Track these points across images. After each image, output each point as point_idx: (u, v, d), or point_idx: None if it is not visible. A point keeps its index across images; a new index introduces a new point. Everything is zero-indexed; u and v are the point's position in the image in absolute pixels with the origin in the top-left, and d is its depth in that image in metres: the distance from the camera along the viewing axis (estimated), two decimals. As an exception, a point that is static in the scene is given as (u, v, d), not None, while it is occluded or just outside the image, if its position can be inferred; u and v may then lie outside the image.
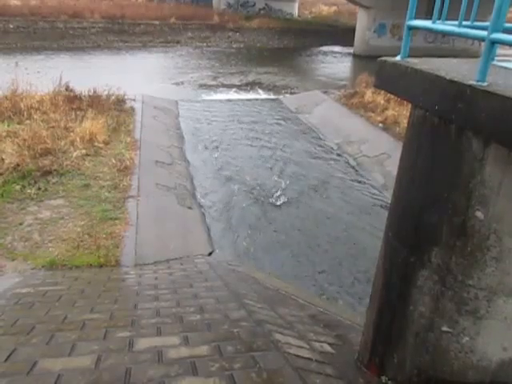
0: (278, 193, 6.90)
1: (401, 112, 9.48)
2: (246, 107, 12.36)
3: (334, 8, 33.15)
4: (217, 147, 8.96)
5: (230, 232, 5.77)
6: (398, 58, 2.13)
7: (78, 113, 8.41)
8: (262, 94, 14.12)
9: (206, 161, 8.24)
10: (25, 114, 7.96)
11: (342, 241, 5.69)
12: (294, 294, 4.25)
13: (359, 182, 7.63)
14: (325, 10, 32.86)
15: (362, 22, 21.98)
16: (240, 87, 14.82)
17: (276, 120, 11.23)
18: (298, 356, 2.28)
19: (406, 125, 2.20)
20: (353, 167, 8.27)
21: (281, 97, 13.72)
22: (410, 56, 2.12)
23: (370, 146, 8.82)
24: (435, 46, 21.72)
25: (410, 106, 2.12)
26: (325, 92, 12.86)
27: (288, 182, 7.36)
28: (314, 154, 8.86)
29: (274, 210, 6.42)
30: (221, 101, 12.90)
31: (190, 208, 6.11)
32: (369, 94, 10.95)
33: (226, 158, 8.39)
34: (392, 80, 2.10)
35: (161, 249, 4.80)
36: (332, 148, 9.29)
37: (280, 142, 9.53)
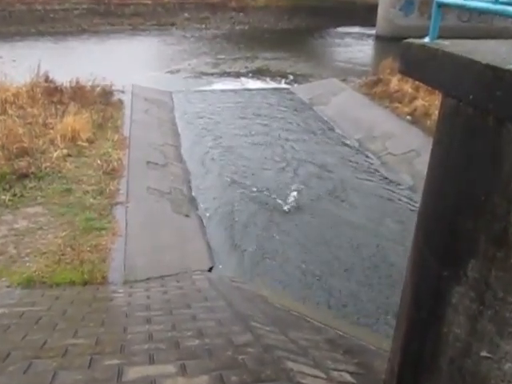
0: (290, 198, 6.90)
1: (432, 102, 9.46)
2: (251, 98, 12.39)
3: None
4: (218, 145, 9.00)
5: (233, 244, 5.75)
6: (426, 39, 2.12)
7: (58, 107, 8.51)
8: (269, 83, 14.25)
9: (205, 161, 8.26)
10: (-2, 108, 8.14)
11: (366, 255, 5.66)
12: (308, 315, 4.25)
13: (384, 184, 7.60)
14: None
15: (386, -2, 22.10)
16: (245, 75, 14.94)
17: (286, 113, 11.24)
18: (313, 387, 2.29)
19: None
20: (376, 167, 8.25)
21: (292, 86, 13.79)
22: (440, 37, 2.12)
23: (397, 142, 8.79)
24: (470, 26, 21.61)
25: (441, 95, 2.13)
26: (343, 80, 12.91)
27: (301, 186, 7.36)
28: (330, 152, 8.86)
29: (284, 219, 6.40)
30: (222, 91, 13.03)
31: (187, 216, 6.14)
32: (394, 82, 10.94)
33: (228, 157, 8.40)
34: (419, 65, 2.11)
35: (154, 263, 4.82)
36: (352, 145, 9.26)
37: (291, 138, 9.51)
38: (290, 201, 6.85)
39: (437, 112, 2.22)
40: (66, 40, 18.98)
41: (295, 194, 7.08)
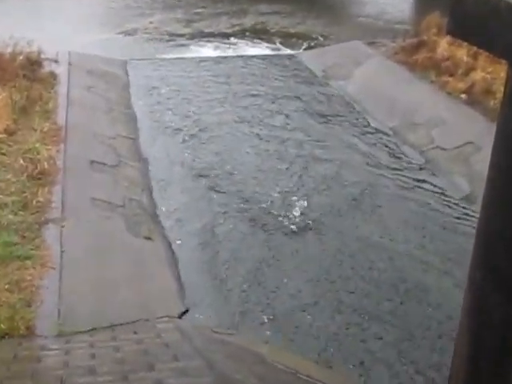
0: (296, 211, 6.94)
1: (496, 74, 9.45)
2: (241, 70, 12.32)
3: None
4: (193, 137, 9.00)
5: (215, 279, 5.75)
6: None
7: (-38, 84, 8.55)
8: (266, 49, 14.26)
9: (175, 160, 8.26)
10: None
11: (401, 293, 5.60)
12: (322, 380, 4.24)
13: (430, 191, 7.59)
14: None
15: None
16: (231, 37, 14.95)
17: (291, 90, 11.18)
18: None
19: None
20: (419, 166, 8.26)
21: (299, 52, 13.76)
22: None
23: (447, 131, 8.82)
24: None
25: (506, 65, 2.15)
26: (370, 44, 12.91)
27: (311, 193, 7.39)
28: (353, 146, 8.86)
29: (287, 241, 6.40)
30: (200, 60, 13.05)
31: (148, 238, 6.16)
32: (443, 46, 10.94)
33: (208, 154, 8.39)
34: (476, 24, 2.13)
35: (101, 307, 4.78)
36: (383, 136, 9.27)
37: (298, 126, 9.47)
38: (295, 216, 6.86)
39: (502, 89, 2.24)
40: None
41: (303, 205, 7.09)
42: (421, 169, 8.26)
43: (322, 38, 15.04)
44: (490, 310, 2.10)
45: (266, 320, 5.26)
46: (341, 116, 10.11)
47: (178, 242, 6.34)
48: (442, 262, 6.17)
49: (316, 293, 5.67)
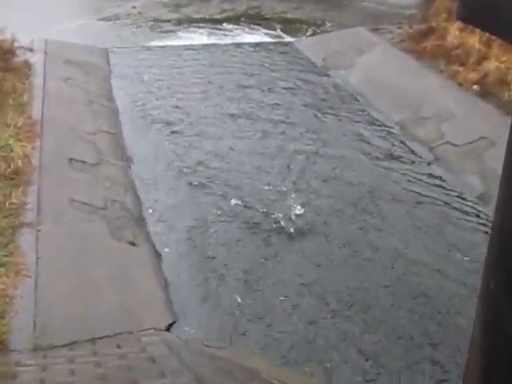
0: (294, 212, 6.96)
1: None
2: (233, 59, 12.32)
3: None
4: (181, 132, 9.00)
5: (205, 287, 5.77)
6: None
7: None
8: (261, 36, 14.31)
9: (161, 157, 8.27)
10: None
11: (412, 306, 5.59)
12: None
13: (438, 190, 7.64)
14: None
15: None
16: (222, 23, 14.96)
17: (288, 81, 11.21)
18: None
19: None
20: (428, 164, 8.28)
21: (296, 40, 13.78)
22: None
23: (458, 125, 8.81)
24: None
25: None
26: (374, 30, 12.86)
27: (311, 193, 7.41)
28: (356, 142, 8.88)
29: (284, 246, 6.43)
30: (189, 48, 13.03)
31: (132, 244, 6.15)
32: (454, 33, 10.89)
33: (198, 151, 8.41)
34: (488, 8, 2.15)
35: (81, 319, 4.77)
36: (390, 130, 9.29)
37: (296, 121, 9.49)
38: (293, 218, 6.87)
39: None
40: None
41: (302, 207, 7.10)
42: (429, 166, 8.27)
43: (321, 24, 14.97)
44: (503, 318, 2.11)
45: (260, 333, 5.26)
46: (342, 109, 10.07)
47: (165, 247, 6.34)
48: (459, 272, 6.15)
49: (317, 310, 5.60)
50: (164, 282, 5.79)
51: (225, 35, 14.20)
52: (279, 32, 14.61)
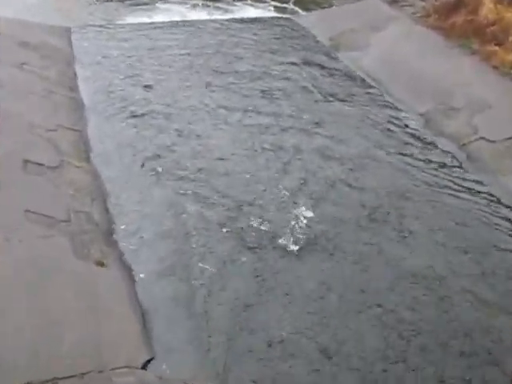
0: (297, 224, 6.94)
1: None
2: (222, 38, 12.39)
3: None
4: (159, 128, 8.96)
5: (187, 317, 5.72)
6: None
7: None
8: (256, 9, 14.42)
9: (135, 158, 8.19)
10: None
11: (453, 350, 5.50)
12: None
13: (471, 194, 7.62)
14: None
15: None
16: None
17: (290, 64, 11.21)
18: None
19: None
20: (459, 163, 8.26)
21: (297, 15, 13.95)
22: None
23: (495, 117, 8.80)
24: None
25: None
26: (392, 2, 12.93)
27: (317, 201, 7.37)
28: (371, 138, 8.86)
29: (285, 265, 6.35)
30: (169, 26, 13.02)
31: (101, 264, 6.10)
32: (488, 5, 10.90)
33: (180, 151, 8.39)
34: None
35: (41, 355, 4.70)
36: (411, 124, 9.24)
37: (299, 112, 9.46)
38: (295, 229, 6.87)
39: None
40: None
41: (306, 217, 7.07)
42: (461, 165, 8.27)
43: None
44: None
45: (256, 367, 5.26)
46: (354, 98, 10.07)
47: (140, 268, 6.26)
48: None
49: (326, 350, 5.52)
50: (139, 309, 5.71)
51: (209, 9, 14.41)
52: (275, 5, 14.65)
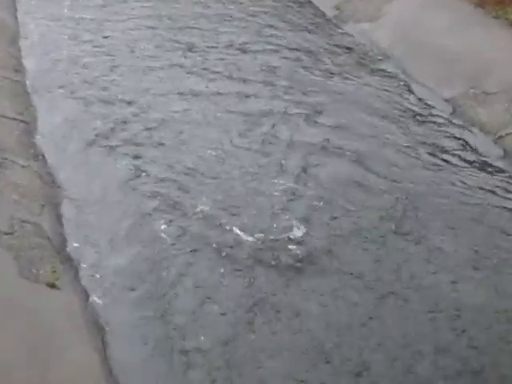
0: (297, 233, 6.94)
1: None
2: (207, 11, 12.62)
3: None
4: (123, 121, 8.96)
5: (161, 354, 5.63)
6: None
7: None
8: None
9: (94, 157, 8.18)
10: None
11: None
12: None
13: (506, 199, 7.46)
14: None
15: None
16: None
17: (288, 39, 11.24)
18: None
19: None
20: (491, 162, 8.19)
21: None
22: None
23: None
24: None
25: None
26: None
27: (319, 207, 7.36)
28: (386, 130, 8.76)
29: (277, 290, 6.28)
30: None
31: (52, 286, 6.04)
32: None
33: (149, 148, 8.42)
34: None
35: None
36: (436, 111, 9.17)
37: (297, 96, 9.42)
38: (295, 240, 6.86)
39: None
40: None
41: (305, 227, 7.03)
42: (494, 165, 8.16)
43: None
44: None
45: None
46: (365, 80, 9.99)
47: (101, 290, 6.16)
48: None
49: (324, 354, 5.48)
50: (102, 344, 5.59)
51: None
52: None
